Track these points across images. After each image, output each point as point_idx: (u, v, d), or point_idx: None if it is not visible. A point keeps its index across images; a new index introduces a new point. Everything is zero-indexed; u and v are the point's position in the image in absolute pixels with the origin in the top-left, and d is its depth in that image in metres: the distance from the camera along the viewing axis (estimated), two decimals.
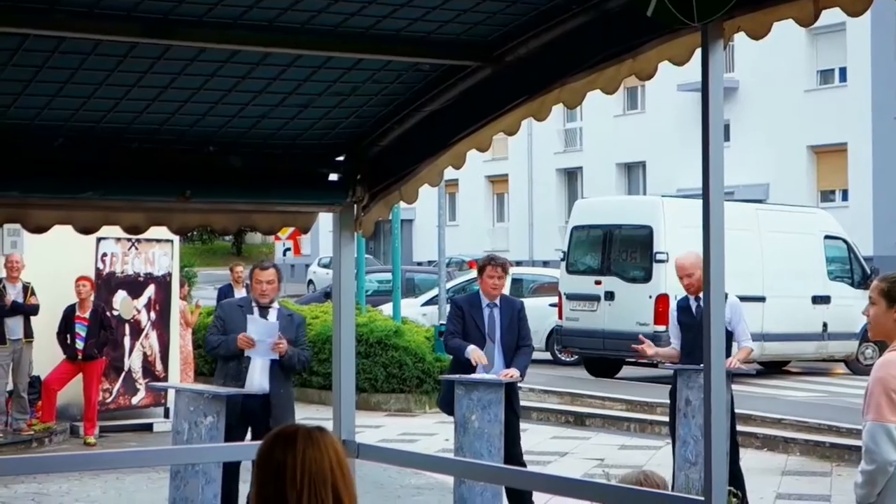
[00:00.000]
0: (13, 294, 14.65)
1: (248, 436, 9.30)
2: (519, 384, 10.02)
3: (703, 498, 3.83)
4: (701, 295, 9.72)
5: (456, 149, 4.79)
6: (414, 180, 5.03)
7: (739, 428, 11.65)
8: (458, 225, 49.39)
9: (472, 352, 9.58)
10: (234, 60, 4.35)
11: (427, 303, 27.26)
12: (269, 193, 5.09)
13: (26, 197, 4.65)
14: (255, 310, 9.44)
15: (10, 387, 14.72)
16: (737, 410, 10.96)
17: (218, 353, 9.54)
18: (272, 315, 9.51)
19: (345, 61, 4.49)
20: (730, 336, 9.97)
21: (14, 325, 14.66)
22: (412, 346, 18.13)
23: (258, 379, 9.31)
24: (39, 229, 4.81)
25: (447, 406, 9.72)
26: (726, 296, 9.94)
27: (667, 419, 14.57)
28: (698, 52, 3.82)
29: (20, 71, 4.21)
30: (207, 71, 4.40)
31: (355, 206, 5.22)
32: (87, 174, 4.69)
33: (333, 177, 5.27)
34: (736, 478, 9.79)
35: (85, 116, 4.56)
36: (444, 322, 20.39)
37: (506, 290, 10.28)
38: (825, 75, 39.14)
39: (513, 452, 9.54)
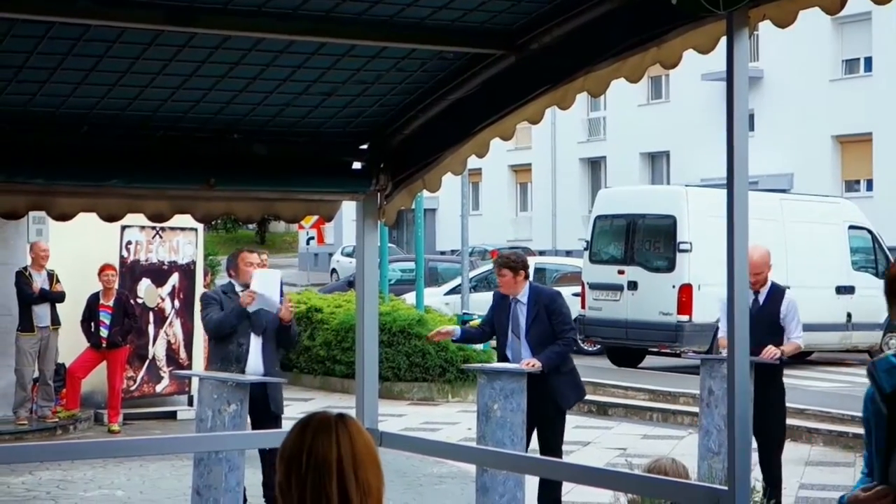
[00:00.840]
0: (39, 281, 14.70)
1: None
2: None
3: (726, 488, 3.83)
4: (762, 289, 9.72)
5: (479, 137, 4.78)
6: (437, 169, 5.02)
7: None
8: (482, 214, 49.32)
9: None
10: (258, 49, 4.35)
11: (450, 292, 27.28)
12: (292, 181, 5.10)
13: (51, 184, 4.66)
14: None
15: (35, 374, 14.79)
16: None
17: (224, 326, 9.37)
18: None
19: (369, 49, 4.49)
20: (781, 330, 9.94)
21: (42, 313, 14.71)
22: None
23: (253, 362, 9.38)
24: (64, 217, 4.81)
25: None
26: (784, 291, 10.02)
27: (689, 409, 14.51)
28: (723, 40, 3.81)
29: (46, 59, 4.22)
30: (232, 59, 4.41)
31: (378, 194, 5.22)
32: (112, 162, 4.71)
33: (357, 165, 5.27)
34: (775, 467, 9.76)
35: (110, 104, 4.57)
36: (466, 311, 20.44)
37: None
38: (850, 65, 38.90)
39: (550, 448, 9.27)
